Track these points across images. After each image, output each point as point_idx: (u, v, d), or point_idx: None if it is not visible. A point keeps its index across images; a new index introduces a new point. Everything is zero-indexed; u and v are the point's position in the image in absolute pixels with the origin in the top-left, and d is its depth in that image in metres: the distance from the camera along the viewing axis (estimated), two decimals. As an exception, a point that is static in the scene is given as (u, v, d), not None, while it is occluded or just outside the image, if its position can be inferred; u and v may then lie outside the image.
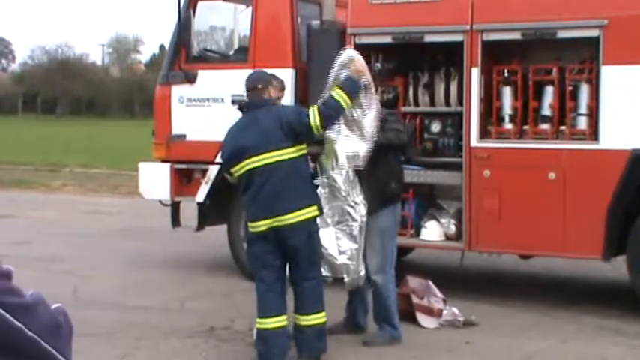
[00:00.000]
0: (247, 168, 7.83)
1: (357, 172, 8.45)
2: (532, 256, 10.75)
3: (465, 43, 10.06)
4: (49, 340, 2.00)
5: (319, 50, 10.87)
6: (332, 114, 7.90)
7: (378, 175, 8.50)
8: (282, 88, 8.60)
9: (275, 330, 7.85)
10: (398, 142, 8.66)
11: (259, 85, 8.13)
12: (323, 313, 7.98)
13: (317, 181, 8.34)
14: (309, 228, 7.86)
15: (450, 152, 10.56)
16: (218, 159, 11.26)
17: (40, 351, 1.99)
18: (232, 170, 7.99)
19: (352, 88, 8.02)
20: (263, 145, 7.78)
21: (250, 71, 8.88)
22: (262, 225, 7.78)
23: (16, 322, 1.95)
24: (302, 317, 7.95)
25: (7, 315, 1.94)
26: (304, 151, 7.97)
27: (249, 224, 8.00)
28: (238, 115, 8.33)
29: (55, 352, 2.01)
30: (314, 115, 7.77)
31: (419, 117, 10.79)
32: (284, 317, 7.91)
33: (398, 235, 10.38)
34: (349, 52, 8.55)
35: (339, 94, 7.92)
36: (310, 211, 7.82)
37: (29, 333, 1.97)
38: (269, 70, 9.08)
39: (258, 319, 7.93)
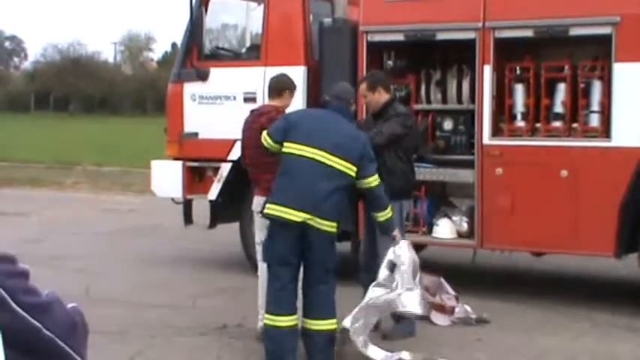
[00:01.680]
0: (311, 156, 7.68)
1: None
2: (544, 253, 10.73)
3: (477, 40, 10.05)
4: (65, 339, 2.01)
5: (331, 48, 10.88)
6: (379, 201, 8.08)
7: (380, 172, 8.52)
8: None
9: (287, 329, 7.76)
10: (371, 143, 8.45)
11: (351, 100, 8.38)
12: (334, 320, 7.85)
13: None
14: (333, 237, 7.79)
15: (462, 150, 10.55)
16: (230, 157, 11.35)
17: (57, 350, 2.00)
18: (288, 144, 7.80)
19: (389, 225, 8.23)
20: (336, 148, 7.70)
21: (344, 83, 8.85)
22: (299, 216, 7.55)
23: (34, 322, 1.96)
24: (312, 322, 7.82)
25: (25, 314, 1.95)
26: (354, 178, 7.84)
27: (278, 207, 7.66)
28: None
29: (71, 352, 2.02)
30: (375, 179, 7.89)
31: (431, 115, 10.79)
32: (295, 317, 7.81)
33: (410, 233, 10.47)
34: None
35: (387, 208, 8.12)
36: (334, 226, 7.70)
37: (46, 332, 1.97)
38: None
39: (267, 315, 7.83)
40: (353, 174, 7.73)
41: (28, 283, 2.01)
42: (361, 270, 9.12)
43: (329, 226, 7.63)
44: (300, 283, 7.90)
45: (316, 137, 7.74)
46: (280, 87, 8.84)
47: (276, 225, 7.71)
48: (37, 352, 1.98)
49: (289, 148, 7.77)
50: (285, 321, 7.74)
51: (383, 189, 8.01)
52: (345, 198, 7.91)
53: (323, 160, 7.66)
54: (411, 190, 9.31)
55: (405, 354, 8.05)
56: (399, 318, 8.75)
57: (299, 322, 7.85)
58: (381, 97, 8.94)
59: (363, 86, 9.08)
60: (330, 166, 7.65)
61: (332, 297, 7.88)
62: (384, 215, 8.07)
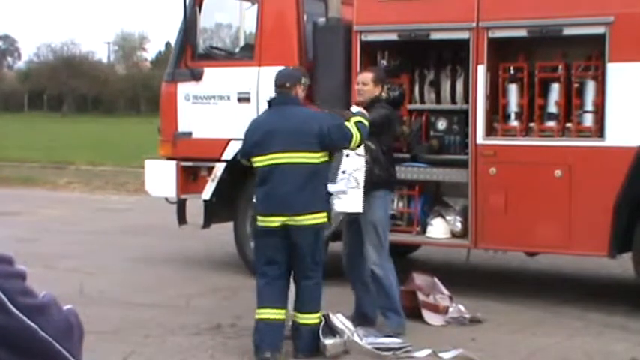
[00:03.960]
0: (271, 162, 8.03)
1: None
2: (538, 253, 10.74)
3: (470, 40, 10.06)
4: (61, 341, 2.00)
5: (325, 48, 10.88)
6: (365, 135, 8.24)
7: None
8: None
9: (269, 321, 8.07)
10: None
11: (287, 84, 8.35)
12: (319, 314, 8.18)
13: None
14: (317, 230, 8.05)
15: (455, 150, 10.55)
16: (224, 156, 11.35)
17: (52, 352, 1.99)
18: (254, 160, 8.19)
19: (368, 121, 8.34)
20: (294, 144, 7.98)
21: (281, 67, 9.03)
22: (276, 221, 7.97)
23: (31, 323, 1.96)
24: (300, 315, 8.16)
25: (22, 315, 1.95)
26: (327, 159, 8.17)
27: (260, 218, 8.12)
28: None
29: (67, 354, 2.01)
30: (356, 132, 8.09)
31: (425, 114, 10.79)
32: (281, 311, 8.13)
33: (404, 233, 10.52)
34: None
35: (364, 121, 8.29)
36: (321, 217, 8.04)
37: (43, 334, 1.97)
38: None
39: (256, 310, 8.15)
40: (318, 159, 8.03)
41: (25, 284, 2.01)
42: (348, 272, 9.32)
43: (312, 219, 7.96)
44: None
45: (270, 143, 8.05)
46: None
47: (262, 232, 8.14)
48: (32, 354, 1.98)
49: (255, 162, 8.19)
50: (267, 313, 8.08)
51: (362, 127, 8.19)
52: (323, 185, 8.14)
53: (283, 160, 7.99)
54: (393, 182, 9.33)
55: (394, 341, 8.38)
56: (387, 313, 8.90)
57: (285, 317, 8.16)
58: (376, 92, 9.03)
59: (368, 75, 9.13)
60: (292, 164, 7.97)
61: (319, 291, 8.20)
62: (355, 142, 8.18)
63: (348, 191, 8.49)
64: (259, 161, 8.12)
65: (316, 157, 8.01)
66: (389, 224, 9.25)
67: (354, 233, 9.03)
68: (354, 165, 8.49)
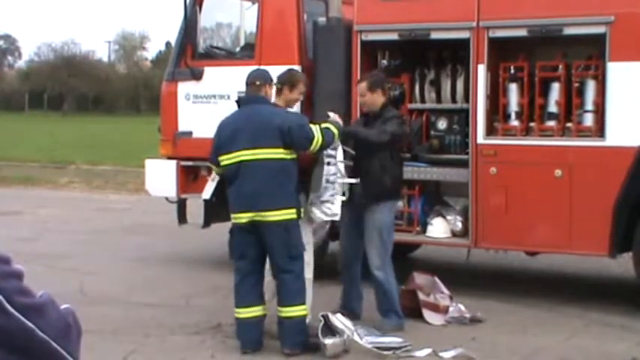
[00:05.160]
0: (237, 160, 8.21)
1: (354, 170, 8.85)
2: (538, 252, 10.74)
3: (471, 39, 10.05)
4: (59, 341, 2.00)
5: (325, 47, 10.88)
6: (329, 141, 8.34)
7: (372, 172, 8.89)
8: (299, 90, 8.81)
9: (246, 320, 8.31)
10: (377, 140, 8.90)
11: (257, 82, 8.51)
12: (303, 307, 8.29)
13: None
14: (287, 225, 8.16)
15: (456, 149, 10.55)
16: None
17: (50, 352, 1.99)
18: (220, 159, 8.36)
19: (337, 129, 8.48)
20: (257, 140, 8.14)
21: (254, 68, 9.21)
22: (244, 217, 8.20)
23: (28, 323, 1.95)
24: (282, 309, 8.29)
25: (19, 315, 1.94)
26: (294, 155, 8.28)
27: (233, 215, 8.38)
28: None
29: (64, 353, 2.01)
30: (318, 135, 8.21)
31: (425, 114, 10.79)
32: (258, 308, 8.35)
33: (404, 232, 10.53)
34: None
35: (333, 127, 8.42)
36: (290, 213, 8.17)
37: (40, 334, 1.97)
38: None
39: (234, 309, 8.41)
40: (281, 155, 8.16)
41: (22, 284, 2.00)
42: (342, 270, 9.42)
43: (280, 214, 8.11)
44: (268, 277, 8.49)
45: (234, 141, 8.23)
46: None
47: (235, 228, 8.45)
48: (30, 354, 1.98)
49: (222, 161, 8.37)
50: (245, 312, 8.32)
51: (327, 133, 8.32)
52: (290, 181, 8.23)
53: (248, 157, 8.15)
54: (400, 190, 9.57)
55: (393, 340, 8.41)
56: (388, 313, 9.00)
57: (262, 312, 8.38)
58: (378, 98, 9.13)
59: (362, 85, 9.22)
60: (256, 160, 8.13)
61: (299, 284, 8.32)
62: (315, 145, 8.26)
63: (334, 201, 8.52)
64: (226, 159, 8.30)
65: (281, 153, 8.14)
66: (393, 230, 9.29)
67: (355, 236, 9.10)
68: (334, 171, 8.53)
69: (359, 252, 9.13)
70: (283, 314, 8.25)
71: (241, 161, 8.18)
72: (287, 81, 8.73)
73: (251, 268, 8.34)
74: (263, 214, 8.08)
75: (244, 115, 8.40)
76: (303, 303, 8.30)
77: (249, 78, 8.61)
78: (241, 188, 8.19)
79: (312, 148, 8.24)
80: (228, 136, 8.32)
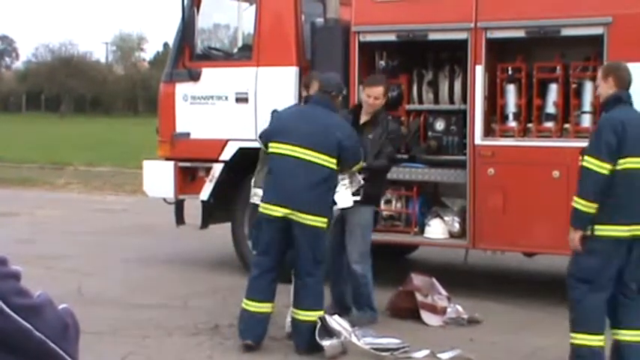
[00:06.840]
0: (287, 153, 8.18)
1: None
2: (536, 253, 10.74)
3: (469, 40, 10.06)
4: (56, 341, 2.00)
5: (323, 48, 10.88)
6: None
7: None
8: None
9: (254, 313, 8.27)
10: (378, 166, 9.20)
11: (333, 93, 8.57)
12: (321, 312, 8.23)
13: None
14: (318, 231, 8.13)
15: (454, 150, 10.56)
16: (222, 157, 11.35)
17: (48, 352, 1.99)
18: (271, 145, 8.32)
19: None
20: (315, 143, 8.14)
21: (333, 74, 9.28)
22: (279, 211, 8.09)
23: (25, 324, 1.96)
24: (299, 312, 8.22)
25: (16, 316, 1.94)
26: (337, 168, 8.29)
27: (264, 205, 8.26)
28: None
29: (62, 354, 2.02)
30: (361, 163, 8.58)
31: (423, 115, 10.79)
32: (268, 305, 8.30)
33: (402, 233, 10.55)
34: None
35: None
36: (322, 222, 8.14)
37: (38, 334, 1.97)
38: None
39: (244, 299, 8.33)
40: (332, 165, 8.17)
41: (19, 284, 2.01)
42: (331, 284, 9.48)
43: (313, 220, 8.05)
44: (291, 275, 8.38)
45: (295, 134, 8.19)
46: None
47: (263, 220, 8.24)
48: (28, 354, 1.98)
49: (272, 148, 8.30)
50: (255, 306, 8.26)
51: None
52: (330, 190, 8.29)
53: (301, 156, 8.11)
54: (380, 199, 9.94)
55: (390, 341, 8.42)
56: (363, 307, 9.17)
57: (271, 310, 8.33)
58: (382, 102, 9.18)
59: (380, 89, 9.22)
60: (309, 161, 8.09)
61: (320, 289, 8.29)
62: (359, 167, 8.62)
63: (345, 191, 8.62)
64: (276, 147, 8.26)
65: (332, 163, 8.16)
66: (372, 227, 9.44)
67: (338, 232, 9.24)
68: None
69: (342, 247, 9.25)
70: (301, 317, 8.18)
71: (291, 156, 8.13)
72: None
73: (271, 266, 8.26)
74: (300, 214, 8.02)
75: (311, 114, 8.42)
76: (322, 308, 8.30)
77: (327, 86, 8.61)
78: (284, 182, 8.13)
79: (353, 169, 8.51)
80: (288, 127, 8.34)
